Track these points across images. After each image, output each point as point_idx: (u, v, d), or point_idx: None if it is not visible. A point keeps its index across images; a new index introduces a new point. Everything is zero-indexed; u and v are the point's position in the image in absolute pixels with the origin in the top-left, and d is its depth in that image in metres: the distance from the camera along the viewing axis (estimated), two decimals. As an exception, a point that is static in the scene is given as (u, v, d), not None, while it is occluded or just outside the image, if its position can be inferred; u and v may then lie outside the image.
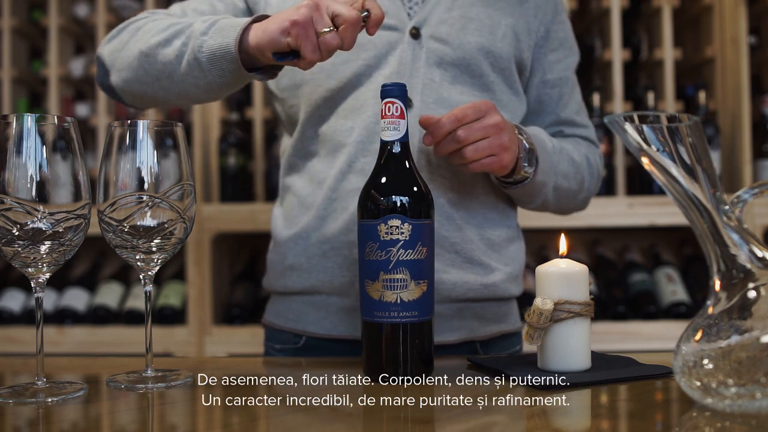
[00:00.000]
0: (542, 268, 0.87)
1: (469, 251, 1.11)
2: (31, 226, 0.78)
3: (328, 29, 0.92)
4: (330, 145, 1.11)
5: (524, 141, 1.06)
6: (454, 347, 1.12)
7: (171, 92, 1.06)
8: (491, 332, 1.15)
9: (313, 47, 0.92)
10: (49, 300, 2.23)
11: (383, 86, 0.89)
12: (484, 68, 1.13)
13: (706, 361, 0.66)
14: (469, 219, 1.11)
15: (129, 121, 0.83)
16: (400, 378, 0.85)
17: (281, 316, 1.18)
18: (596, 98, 2.23)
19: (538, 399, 0.77)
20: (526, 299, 2.12)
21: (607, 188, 2.19)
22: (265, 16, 0.99)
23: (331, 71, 1.10)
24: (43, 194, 0.78)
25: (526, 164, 1.06)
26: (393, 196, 0.86)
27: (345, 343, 1.11)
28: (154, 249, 0.84)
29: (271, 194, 2.24)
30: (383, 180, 0.87)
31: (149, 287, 0.87)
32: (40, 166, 0.78)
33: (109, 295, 2.24)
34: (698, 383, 0.66)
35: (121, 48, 1.09)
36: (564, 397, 0.77)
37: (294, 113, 1.16)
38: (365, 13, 0.94)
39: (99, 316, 2.20)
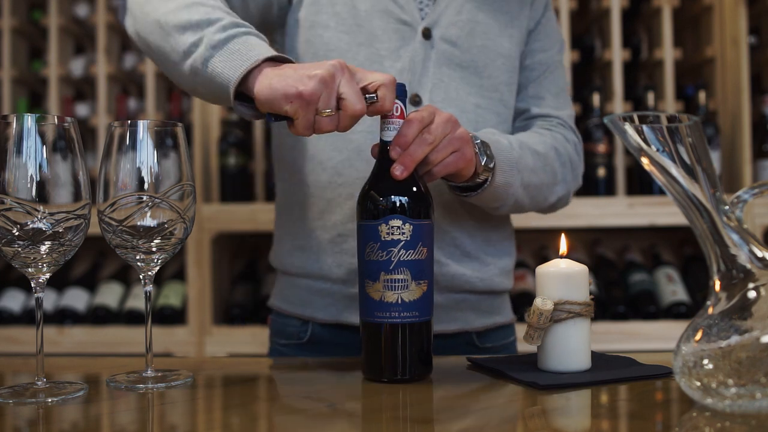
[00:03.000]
0: (542, 268, 0.88)
1: (468, 245, 1.14)
2: (31, 226, 0.78)
3: (329, 111, 0.86)
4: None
5: (472, 134, 1.00)
6: (451, 337, 1.16)
7: (168, 68, 1.02)
8: (486, 324, 1.19)
9: (307, 124, 0.87)
10: (49, 300, 2.23)
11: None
12: (492, 70, 1.15)
13: (706, 362, 0.66)
14: (470, 215, 1.14)
15: (129, 121, 0.83)
16: (400, 378, 0.85)
17: (287, 301, 1.20)
18: (596, 98, 2.23)
19: (538, 399, 0.77)
20: (526, 298, 2.13)
21: (607, 188, 2.19)
22: (283, 58, 0.93)
23: (345, 51, 1.12)
24: (43, 194, 0.78)
25: (484, 158, 0.99)
26: (394, 197, 0.86)
27: (351, 329, 1.13)
28: (154, 249, 0.84)
29: (271, 194, 2.23)
30: (383, 180, 0.87)
31: (149, 287, 0.87)
32: (40, 166, 0.78)
33: (109, 295, 2.24)
34: (698, 383, 0.66)
35: (143, 2, 1.04)
36: (564, 397, 0.77)
37: None
38: (373, 98, 0.87)
39: (99, 316, 2.20)
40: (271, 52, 0.92)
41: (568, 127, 1.21)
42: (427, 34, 1.13)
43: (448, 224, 1.13)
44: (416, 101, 1.13)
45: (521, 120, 1.22)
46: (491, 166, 1.01)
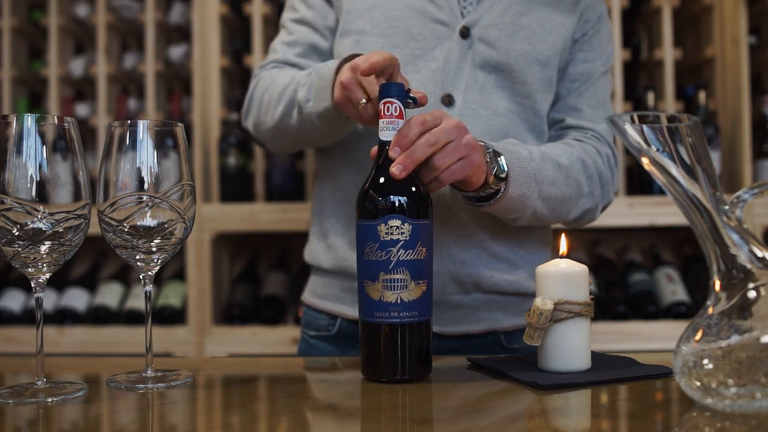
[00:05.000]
0: (542, 268, 0.88)
1: (494, 248, 1.14)
2: (31, 226, 0.78)
3: (363, 101, 0.96)
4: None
5: (485, 143, 1.00)
6: (479, 337, 1.16)
7: (311, 143, 1.20)
8: (515, 324, 1.18)
9: (356, 116, 1.00)
10: (49, 300, 2.23)
11: (382, 86, 0.89)
12: (528, 76, 1.13)
13: (706, 361, 0.66)
14: (493, 217, 1.12)
15: (129, 121, 0.83)
16: (399, 378, 0.85)
17: (318, 296, 1.23)
18: (596, 98, 2.23)
19: (538, 399, 0.77)
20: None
21: (607, 188, 2.19)
22: (355, 55, 1.03)
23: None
24: (43, 194, 0.78)
25: (495, 167, 0.98)
26: (393, 196, 0.86)
27: None
28: (154, 249, 0.84)
29: (271, 194, 2.24)
30: (382, 180, 0.87)
31: (149, 287, 0.87)
32: (40, 166, 0.78)
33: (109, 295, 2.24)
34: (698, 383, 0.66)
35: (258, 123, 1.21)
36: (564, 397, 0.77)
37: None
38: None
39: (99, 316, 2.20)
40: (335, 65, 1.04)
41: (603, 141, 1.18)
42: (465, 33, 1.12)
43: (475, 227, 1.12)
44: (448, 101, 1.11)
45: (556, 129, 1.20)
46: (503, 176, 0.99)
